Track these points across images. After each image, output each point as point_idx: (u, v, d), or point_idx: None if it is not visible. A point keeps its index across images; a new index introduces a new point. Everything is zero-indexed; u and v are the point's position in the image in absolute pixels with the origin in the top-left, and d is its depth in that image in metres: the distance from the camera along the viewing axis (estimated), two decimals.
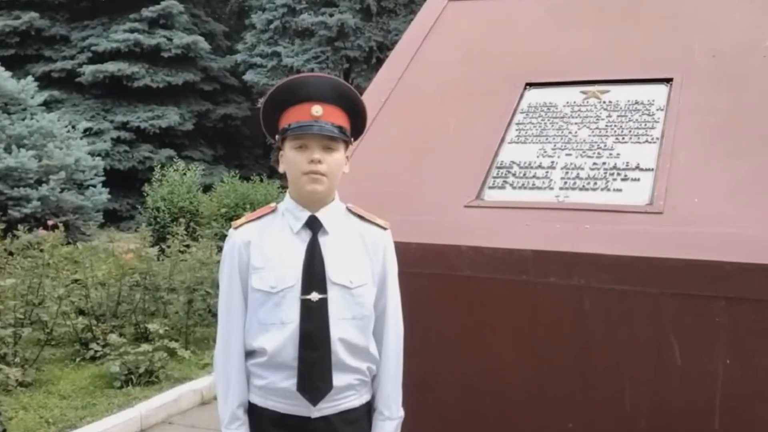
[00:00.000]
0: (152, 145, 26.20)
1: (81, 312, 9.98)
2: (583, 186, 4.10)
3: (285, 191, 3.43)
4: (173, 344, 9.31)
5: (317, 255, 3.21)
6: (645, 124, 4.34)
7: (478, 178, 4.32)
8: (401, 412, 3.42)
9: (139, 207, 19.22)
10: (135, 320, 10.19)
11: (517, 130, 4.60)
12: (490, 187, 4.29)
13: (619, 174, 4.09)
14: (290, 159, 3.23)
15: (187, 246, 10.98)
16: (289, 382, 3.17)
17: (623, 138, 4.30)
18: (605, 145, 4.29)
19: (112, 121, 25.79)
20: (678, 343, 3.56)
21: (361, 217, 3.39)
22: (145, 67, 26.44)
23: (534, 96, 4.81)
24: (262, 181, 18.25)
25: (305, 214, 3.25)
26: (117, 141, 25.33)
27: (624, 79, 4.66)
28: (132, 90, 26.39)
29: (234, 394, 3.26)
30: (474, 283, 3.94)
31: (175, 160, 20.83)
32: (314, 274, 3.19)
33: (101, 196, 16.78)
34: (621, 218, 3.80)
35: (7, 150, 14.82)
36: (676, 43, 4.80)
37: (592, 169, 4.17)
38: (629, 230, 3.69)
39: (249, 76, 28.40)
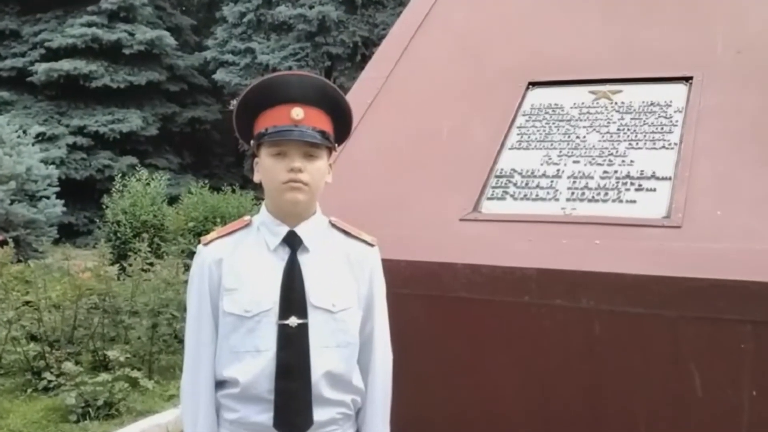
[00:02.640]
0: (112, 152, 26.22)
1: (33, 338, 9.94)
2: (593, 197, 4.09)
3: (260, 203, 3.40)
4: (135, 373, 9.25)
5: (296, 275, 3.18)
6: (662, 128, 4.33)
7: (475, 188, 4.31)
8: None
9: (98, 221, 19.20)
10: (93, 347, 10.14)
11: (518, 134, 4.60)
12: (488, 198, 4.28)
13: (632, 183, 4.09)
14: (267, 167, 3.19)
15: (151, 264, 10.95)
16: (264, 416, 3.14)
17: (637, 143, 4.30)
18: (617, 152, 4.29)
19: (67, 126, 25.79)
20: (699, 372, 3.54)
21: (345, 233, 3.36)
22: (104, 66, 26.47)
23: (537, 96, 4.81)
24: (234, 192, 18.27)
25: (283, 229, 3.22)
26: (73, 147, 25.34)
27: (638, 77, 4.66)
28: (90, 91, 26.40)
29: (203, 429, 3.23)
30: (471, 305, 3.92)
31: (137, 168, 20.82)
32: (293, 296, 3.16)
33: (55, 208, 16.76)
34: (635, 233, 3.78)
35: None
36: (697, 37, 4.80)
37: (602, 178, 4.17)
38: (644, 246, 3.68)
39: (220, 76, 28.46)
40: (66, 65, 25.76)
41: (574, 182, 4.20)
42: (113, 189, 17.31)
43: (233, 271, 3.21)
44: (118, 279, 11.22)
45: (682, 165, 4.05)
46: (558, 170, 4.30)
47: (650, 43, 4.87)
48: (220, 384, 3.23)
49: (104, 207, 17.05)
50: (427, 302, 3.99)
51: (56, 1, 27.89)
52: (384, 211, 4.27)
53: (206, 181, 20.43)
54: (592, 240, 3.79)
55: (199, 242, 3.38)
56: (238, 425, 3.19)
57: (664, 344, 3.58)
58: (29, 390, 9.31)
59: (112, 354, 9.37)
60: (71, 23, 26.75)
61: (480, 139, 4.60)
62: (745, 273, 3.39)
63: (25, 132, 17.35)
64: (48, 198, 16.76)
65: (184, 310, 3.51)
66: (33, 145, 17.17)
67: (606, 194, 4.07)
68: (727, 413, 3.53)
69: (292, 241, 3.22)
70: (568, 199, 4.12)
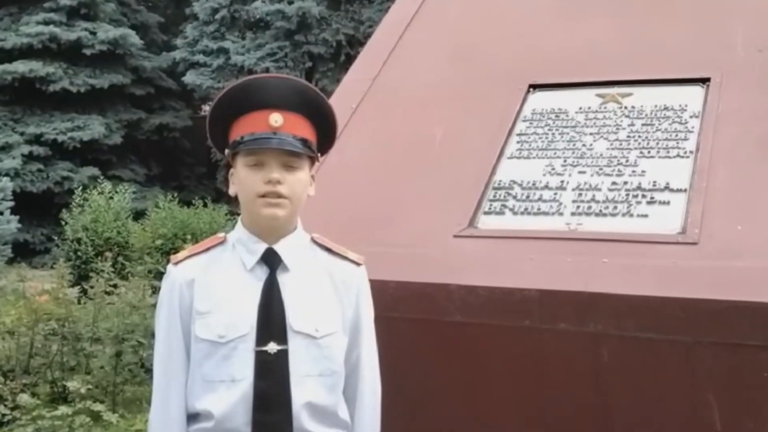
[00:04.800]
0: (72, 163, 26.08)
1: None
2: (600, 211, 4.10)
3: (235, 218, 3.40)
4: (98, 406, 9.18)
5: (275, 296, 3.17)
6: (676, 135, 4.34)
7: (471, 201, 4.31)
8: None
9: (56, 238, 19.14)
10: (51, 377, 10.09)
11: (518, 142, 4.60)
12: (485, 213, 4.28)
13: (644, 196, 4.09)
14: (243, 179, 3.18)
15: (115, 286, 10.90)
16: None
17: (649, 151, 4.31)
18: (627, 161, 4.30)
19: (22, 134, 25.67)
20: (717, 403, 3.54)
21: (329, 251, 3.35)
22: (62, 67, 26.34)
23: (539, 100, 4.82)
24: (206, 205, 18.22)
25: (261, 247, 3.21)
26: (29, 157, 25.20)
27: (650, 79, 4.67)
28: (47, 95, 26.27)
29: None
30: (466, 330, 3.91)
31: (99, 180, 20.70)
32: (272, 320, 3.15)
33: (9, 225, 16.71)
34: (647, 250, 3.78)
35: None
36: (715, 35, 4.81)
37: (611, 190, 4.17)
38: (657, 265, 3.68)
39: (190, 78, 28.33)
40: (21, 67, 25.61)
41: (580, 195, 4.20)
42: (73, 203, 17.24)
43: (206, 292, 3.20)
44: (79, 302, 11.17)
45: (699, 175, 4.05)
46: (562, 181, 4.30)
47: (663, 41, 4.88)
48: (192, 417, 3.21)
49: (63, 223, 16.98)
50: (419, 326, 3.99)
51: None
52: (371, 227, 4.27)
53: (175, 194, 20.35)
54: (599, 258, 3.79)
55: (168, 261, 3.36)
56: None
57: (679, 372, 3.58)
58: None
59: (72, 385, 9.31)
60: (26, 21, 26.60)
61: (476, 147, 4.60)
62: None
63: None
64: (1, 213, 16.71)
65: (152, 336, 3.51)
66: None
67: (615, 208, 4.08)
68: None
69: (271, 260, 3.21)
70: (573, 213, 4.12)
